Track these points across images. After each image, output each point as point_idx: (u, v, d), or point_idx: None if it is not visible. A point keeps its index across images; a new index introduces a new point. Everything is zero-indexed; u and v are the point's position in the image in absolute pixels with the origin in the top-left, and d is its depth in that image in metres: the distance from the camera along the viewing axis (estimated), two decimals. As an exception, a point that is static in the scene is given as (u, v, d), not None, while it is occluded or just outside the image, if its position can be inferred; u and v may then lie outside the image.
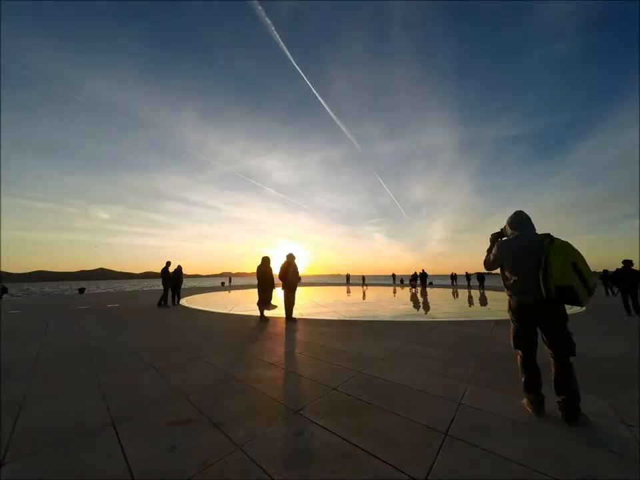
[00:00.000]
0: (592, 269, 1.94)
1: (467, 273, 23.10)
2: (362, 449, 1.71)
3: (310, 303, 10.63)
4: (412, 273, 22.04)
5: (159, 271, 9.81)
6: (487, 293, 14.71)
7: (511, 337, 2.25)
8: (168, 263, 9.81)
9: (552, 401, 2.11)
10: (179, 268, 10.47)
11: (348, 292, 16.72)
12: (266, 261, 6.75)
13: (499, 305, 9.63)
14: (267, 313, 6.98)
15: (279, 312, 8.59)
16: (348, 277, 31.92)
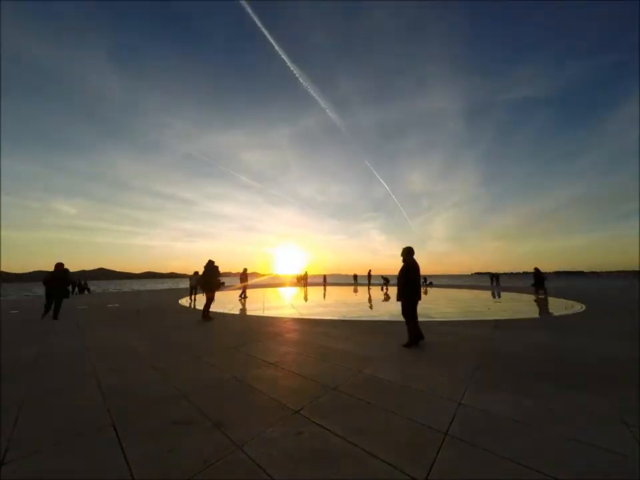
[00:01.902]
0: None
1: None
2: (362, 449, 1.71)
3: (310, 303, 10.64)
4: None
5: (159, 271, 9.23)
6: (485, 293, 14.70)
7: None
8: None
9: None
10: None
11: (353, 292, 16.73)
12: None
13: (499, 305, 9.64)
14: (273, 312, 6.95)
15: (279, 312, 8.59)
16: (355, 276, 32.24)
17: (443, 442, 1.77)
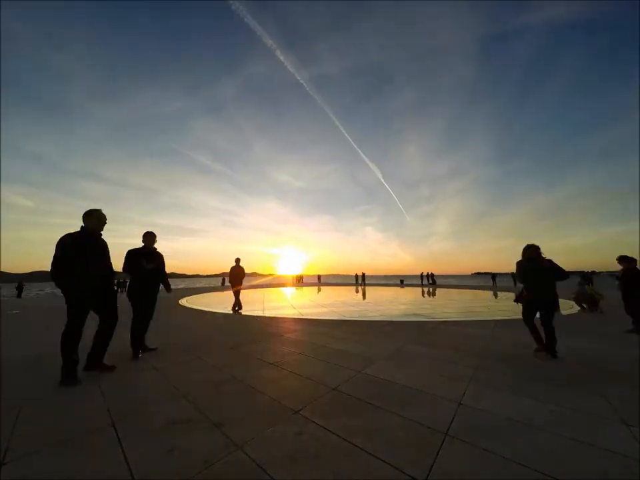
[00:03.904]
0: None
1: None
2: (362, 449, 1.71)
3: (310, 303, 10.64)
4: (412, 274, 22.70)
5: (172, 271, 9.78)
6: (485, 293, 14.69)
7: None
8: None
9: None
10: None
11: (356, 292, 16.73)
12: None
13: (499, 304, 9.63)
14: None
15: (279, 312, 8.60)
16: (357, 276, 32.42)
17: (443, 442, 1.77)
